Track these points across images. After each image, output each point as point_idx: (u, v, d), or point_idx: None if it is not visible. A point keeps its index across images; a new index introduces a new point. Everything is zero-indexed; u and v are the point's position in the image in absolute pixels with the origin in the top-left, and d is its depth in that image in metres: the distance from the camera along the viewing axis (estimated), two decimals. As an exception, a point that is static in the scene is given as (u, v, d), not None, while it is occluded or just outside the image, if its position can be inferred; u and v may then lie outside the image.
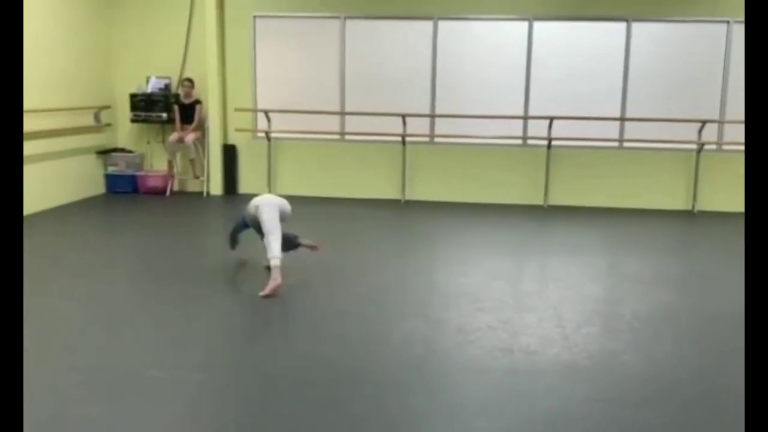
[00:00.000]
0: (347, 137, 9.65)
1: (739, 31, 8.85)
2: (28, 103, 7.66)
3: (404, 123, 9.21)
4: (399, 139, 9.34)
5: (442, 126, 9.44)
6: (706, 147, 9.02)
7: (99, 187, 9.62)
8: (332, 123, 9.61)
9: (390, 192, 9.60)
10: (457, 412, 3.41)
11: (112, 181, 9.70)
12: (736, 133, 8.91)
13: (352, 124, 9.58)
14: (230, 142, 9.81)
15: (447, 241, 7.27)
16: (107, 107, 9.62)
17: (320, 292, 5.41)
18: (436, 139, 9.48)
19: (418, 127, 9.38)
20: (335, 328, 4.60)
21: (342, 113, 9.58)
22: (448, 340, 4.38)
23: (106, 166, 9.71)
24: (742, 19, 8.79)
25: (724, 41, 8.93)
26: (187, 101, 9.55)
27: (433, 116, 9.43)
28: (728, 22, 8.86)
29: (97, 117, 9.40)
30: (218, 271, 5.93)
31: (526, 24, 9.18)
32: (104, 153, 9.66)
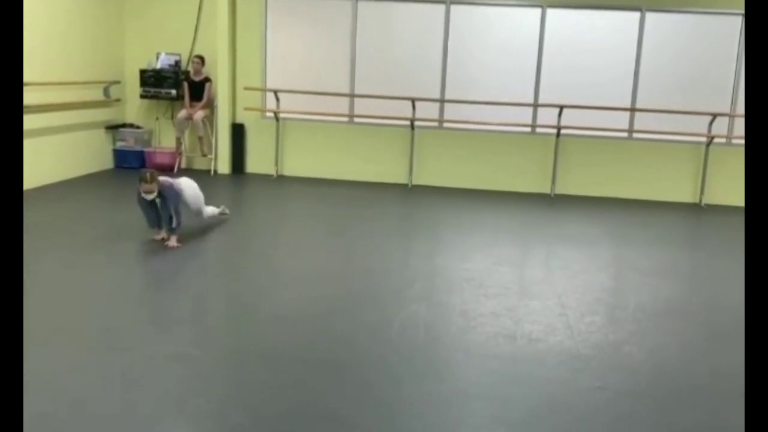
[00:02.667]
0: (356, 120, 9.63)
1: (754, 25, 8.77)
2: (38, 76, 7.68)
3: (413, 107, 9.19)
4: (408, 123, 9.32)
5: (451, 111, 9.41)
6: (716, 140, 8.98)
7: (107, 162, 9.64)
8: (341, 105, 9.59)
9: (397, 176, 9.59)
10: (457, 397, 3.43)
11: (120, 156, 9.72)
12: (747, 128, 8.86)
13: (361, 106, 9.56)
14: (239, 120, 9.80)
15: (453, 226, 7.27)
16: (117, 82, 9.61)
17: (323, 274, 5.43)
18: (445, 124, 9.46)
19: (427, 111, 9.35)
20: (337, 309, 4.62)
21: (351, 95, 9.55)
22: (451, 325, 4.40)
23: (114, 141, 9.72)
24: (758, 12, 8.70)
25: (738, 34, 8.86)
26: (196, 78, 9.54)
27: (442, 101, 9.40)
28: (742, 14, 8.78)
29: (106, 92, 9.40)
30: (219, 250, 5.94)
31: (539, 11, 9.12)
32: (113, 128, 9.67)
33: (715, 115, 8.82)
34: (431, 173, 9.55)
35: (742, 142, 8.91)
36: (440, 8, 9.27)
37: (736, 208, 8.83)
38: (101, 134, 9.48)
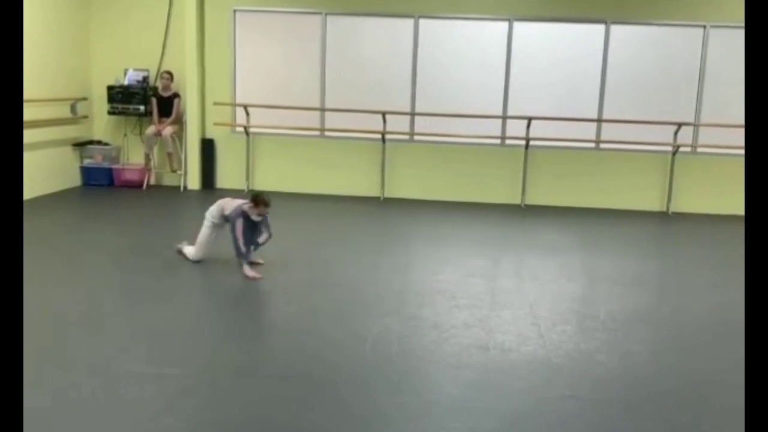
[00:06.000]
0: (327, 134, 9.63)
1: (715, 36, 8.98)
2: (2, 93, 7.55)
3: (384, 120, 9.22)
4: (379, 136, 9.34)
5: (421, 124, 9.46)
6: (682, 149, 9.14)
7: (74, 180, 9.51)
8: (312, 119, 9.59)
9: (369, 189, 9.60)
10: (431, 409, 3.43)
11: (88, 173, 9.60)
12: (711, 136, 9.05)
13: (332, 120, 9.57)
14: (208, 136, 9.75)
15: (425, 238, 7.29)
16: (84, 99, 9.51)
17: (296, 289, 5.40)
18: (416, 137, 9.50)
19: (397, 124, 9.39)
20: (310, 324, 4.60)
21: (322, 109, 9.56)
22: (424, 337, 4.40)
23: (82, 158, 9.60)
24: (719, 23, 8.92)
25: (701, 45, 9.05)
26: (165, 94, 9.47)
27: (412, 114, 9.44)
28: (705, 26, 8.98)
29: (73, 109, 9.29)
30: (193, 266, 5.89)
31: (506, 24, 9.23)
32: (80, 145, 9.55)
33: (680, 125, 8.97)
34: (403, 186, 9.57)
35: (707, 150, 9.10)
36: (409, 22, 9.33)
37: (702, 216, 8.99)
38: (68, 152, 9.36)
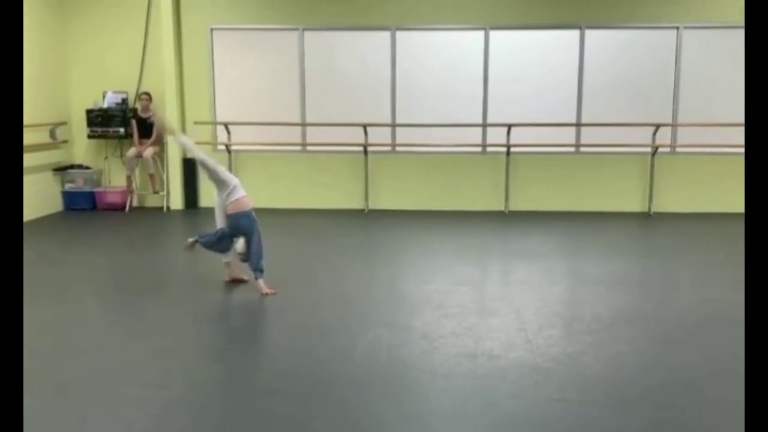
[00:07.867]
0: (309, 148, 9.65)
1: (688, 36, 9.11)
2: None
3: (365, 133, 9.25)
4: (361, 149, 9.37)
5: (403, 135, 9.51)
6: (661, 150, 9.23)
7: (56, 205, 9.46)
8: (293, 134, 9.60)
9: (353, 202, 9.62)
10: (422, 418, 3.43)
11: (69, 198, 9.55)
12: (689, 136, 9.16)
13: (314, 135, 9.59)
14: (190, 155, 9.71)
15: (411, 249, 7.31)
16: (63, 123, 9.47)
17: (285, 303, 5.39)
18: (398, 148, 9.54)
19: (379, 136, 9.43)
20: (300, 338, 4.59)
21: (303, 124, 9.58)
22: (413, 347, 4.40)
23: (63, 183, 9.55)
24: (691, 24, 9.06)
25: (675, 46, 9.17)
26: (144, 115, 9.46)
27: (393, 126, 9.49)
28: (678, 27, 9.10)
29: (52, 134, 9.25)
30: (180, 285, 5.87)
31: (482, 33, 9.31)
32: (61, 170, 9.50)
33: (658, 126, 9.07)
34: (387, 197, 9.60)
35: (686, 150, 9.21)
36: (386, 35, 9.39)
37: (683, 215, 9.08)
38: (49, 177, 9.32)
